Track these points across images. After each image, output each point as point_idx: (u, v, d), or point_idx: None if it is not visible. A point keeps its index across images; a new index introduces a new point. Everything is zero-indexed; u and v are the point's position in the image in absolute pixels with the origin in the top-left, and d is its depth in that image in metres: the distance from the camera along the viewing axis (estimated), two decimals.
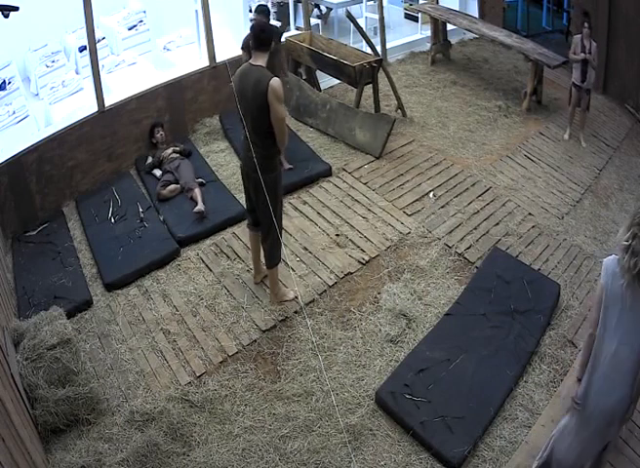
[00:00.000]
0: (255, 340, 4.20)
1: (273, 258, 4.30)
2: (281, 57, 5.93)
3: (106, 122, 5.81)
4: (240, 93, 3.86)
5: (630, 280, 2.51)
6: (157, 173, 5.87)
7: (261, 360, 4.10)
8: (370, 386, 3.90)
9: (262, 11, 5.49)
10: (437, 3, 9.11)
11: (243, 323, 4.32)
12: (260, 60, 3.77)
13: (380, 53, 7.13)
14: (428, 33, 8.65)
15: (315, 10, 9.40)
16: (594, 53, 6.61)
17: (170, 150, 5.92)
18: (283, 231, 5.06)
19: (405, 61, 8.44)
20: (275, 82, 3.67)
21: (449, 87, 7.79)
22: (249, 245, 4.66)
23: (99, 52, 5.82)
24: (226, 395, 3.84)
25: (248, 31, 4.34)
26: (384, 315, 4.38)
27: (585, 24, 6.53)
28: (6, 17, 4.75)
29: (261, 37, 3.75)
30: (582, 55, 6.61)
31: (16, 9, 4.75)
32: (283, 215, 5.18)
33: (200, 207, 5.22)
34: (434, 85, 7.79)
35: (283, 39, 7.21)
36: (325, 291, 4.59)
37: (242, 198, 5.53)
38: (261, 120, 3.76)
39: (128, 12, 7.82)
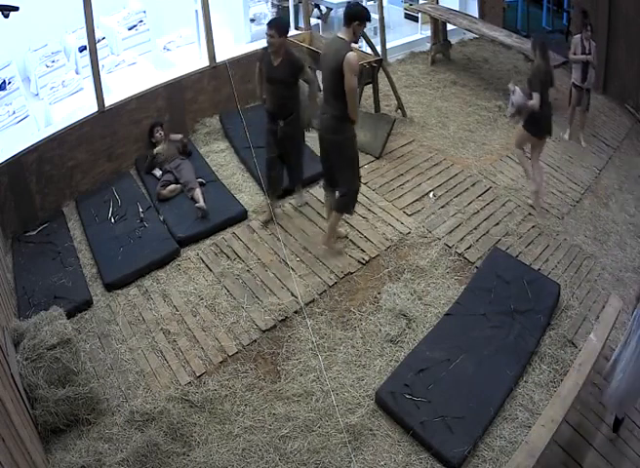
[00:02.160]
0: (255, 340, 4.20)
1: (344, 208, 4.73)
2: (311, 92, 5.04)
3: (106, 122, 5.81)
4: (323, 58, 4.43)
5: None
6: (157, 173, 5.88)
7: (261, 360, 4.10)
8: (370, 386, 3.90)
9: (272, 25, 4.72)
10: (437, 3, 9.10)
11: (243, 323, 4.32)
12: (345, 34, 4.25)
13: (379, 53, 7.12)
14: (428, 33, 8.65)
15: (315, 10, 9.40)
16: (594, 53, 6.60)
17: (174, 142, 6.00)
18: (283, 230, 5.10)
19: (405, 61, 8.43)
20: (351, 55, 4.13)
21: (449, 87, 7.78)
22: (325, 203, 5.08)
23: (99, 52, 5.81)
24: (226, 395, 3.84)
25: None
26: (384, 315, 4.38)
27: (588, 27, 6.53)
28: (6, 17, 4.75)
29: (346, 14, 4.24)
30: (584, 56, 6.60)
31: (16, 9, 4.75)
32: (283, 216, 5.32)
33: (202, 204, 5.23)
34: (434, 85, 7.79)
35: None
36: (325, 291, 4.59)
37: (242, 198, 5.56)
38: (336, 84, 4.24)
39: (128, 12, 7.81)
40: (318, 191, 5.64)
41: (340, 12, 8.75)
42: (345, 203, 4.69)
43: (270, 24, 4.69)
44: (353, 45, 4.47)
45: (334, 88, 4.27)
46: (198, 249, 5.04)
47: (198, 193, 5.37)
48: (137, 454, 3.38)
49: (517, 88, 5.31)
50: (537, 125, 5.36)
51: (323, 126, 4.51)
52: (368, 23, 4.35)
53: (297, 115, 4.92)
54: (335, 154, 4.54)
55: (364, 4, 8.76)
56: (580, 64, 6.69)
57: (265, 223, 5.18)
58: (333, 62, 4.21)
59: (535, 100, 5.10)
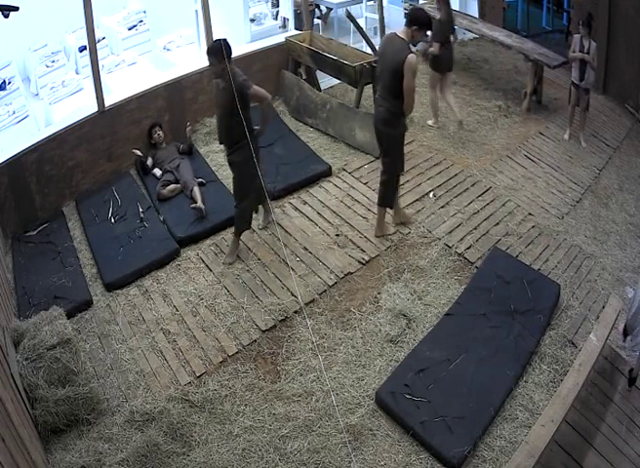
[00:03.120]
0: (255, 340, 4.20)
1: (385, 200, 4.96)
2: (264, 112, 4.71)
3: (106, 122, 5.81)
4: (382, 54, 4.60)
5: None
6: (157, 173, 5.88)
7: (261, 360, 4.10)
8: (370, 386, 3.90)
9: (209, 52, 4.38)
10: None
11: (243, 323, 4.32)
12: (404, 34, 4.41)
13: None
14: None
15: (315, 10, 9.38)
16: (593, 53, 6.62)
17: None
18: (284, 230, 5.11)
19: None
20: (412, 57, 4.29)
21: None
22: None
23: (99, 52, 5.82)
24: (226, 395, 3.84)
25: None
26: (384, 315, 4.38)
27: (580, 23, 6.58)
28: (6, 17, 4.76)
29: (407, 16, 4.49)
30: (580, 54, 6.64)
31: (16, 9, 4.75)
32: (283, 216, 5.33)
33: (200, 204, 5.23)
34: None
35: (283, 39, 7.24)
36: (325, 291, 4.60)
37: None
38: (394, 82, 4.40)
39: (128, 12, 7.80)
40: (318, 191, 5.65)
41: (341, 12, 8.80)
42: (383, 196, 4.93)
43: (208, 51, 4.39)
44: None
45: (391, 86, 4.44)
46: (198, 249, 5.04)
47: (196, 192, 5.37)
48: (137, 454, 3.37)
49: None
50: (438, 64, 6.61)
51: (378, 119, 4.71)
52: (428, 31, 4.55)
53: (243, 146, 4.46)
54: (385, 145, 4.78)
55: (364, 4, 8.79)
56: (578, 63, 6.71)
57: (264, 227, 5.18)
58: (392, 62, 4.35)
59: (434, 48, 6.51)
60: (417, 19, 4.36)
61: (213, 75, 4.56)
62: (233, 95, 4.33)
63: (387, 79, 4.46)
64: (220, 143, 4.80)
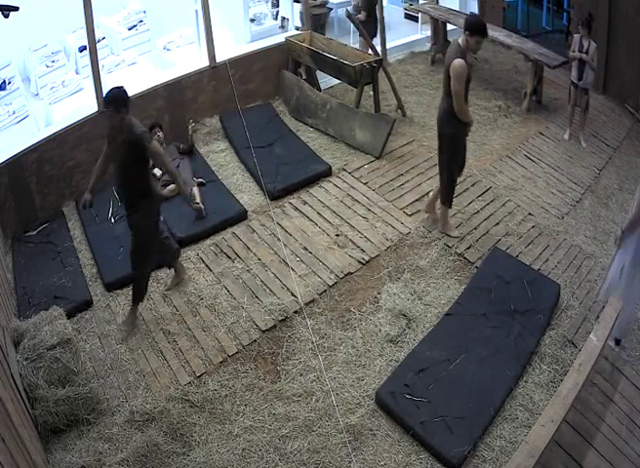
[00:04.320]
0: (255, 340, 4.20)
1: (443, 197, 5.07)
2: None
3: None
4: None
5: None
6: (157, 173, 5.86)
7: (261, 360, 4.10)
8: (370, 386, 3.90)
9: (108, 102, 4.01)
10: (437, 3, 9.10)
11: (243, 323, 4.32)
12: (462, 41, 4.50)
13: (379, 53, 7.13)
14: (428, 33, 8.65)
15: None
16: (592, 53, 6.63)
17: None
18: (284, 230, 5.11)
19: (405, 61, 8.43)
20: (457, 62, 4.44)
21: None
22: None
23: (99, 52, 5.82)
24: (226, 395, 3.85)
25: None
26: (384, 315, 4.38)
27: (579, 25, 6.61)
28: (6, 17, 4.76)
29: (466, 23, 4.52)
30: (578, 53, 6.67)
31: (16, 9, 4.76)
32: (283, 216, 5.31)
33: (199, 204, 5.23)
34: (434, 85, 7.77)
35: (283, 39, 7.25)
36: (325, 291, 4.60)
37: (242, 198, 5.56)
38: (446, 83, 4.64)
39: (128, 12, 7.81)
40: (318, 191, 5.65)
41: (341, 12, 8.80)
42: (442, 193, 5.05)
43: (106, 101, 4.00)
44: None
45: (445, 86, 4.67)
46: (198, 249, 5.04)
47: (195, 193, 5.37)
48: (137, 454, 3.38)
49: (351, 7, 7.88)
50: (365, 28, 7.06)
51: (438, 116, 4.89)
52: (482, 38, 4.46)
53: (141, 209, 4.12)
54: (440, 142, 4.89)
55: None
56: (577, 62, 6.73)
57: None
58: (445, 65, 4.61)
59: (361, 16, 7.43)
60: (466, 25, 4.47)
61: (109, 127, 4.16)
62: (129, 148, 3.97)
63: (444, 80, 4.69)
64: (119, 202, 4.39)
